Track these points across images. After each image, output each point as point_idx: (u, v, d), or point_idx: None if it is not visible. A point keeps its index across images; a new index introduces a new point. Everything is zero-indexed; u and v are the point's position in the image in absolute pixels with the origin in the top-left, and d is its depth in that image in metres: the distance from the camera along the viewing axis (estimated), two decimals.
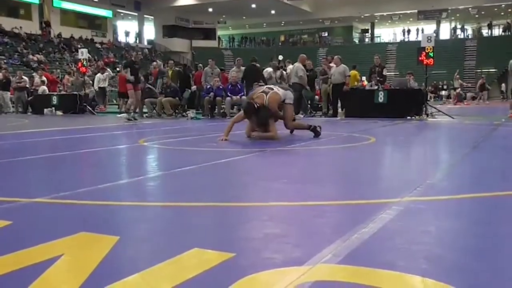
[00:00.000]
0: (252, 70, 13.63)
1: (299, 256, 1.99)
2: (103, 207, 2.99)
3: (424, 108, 12.39)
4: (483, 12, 44.53)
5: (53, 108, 16.47)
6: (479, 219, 2.72)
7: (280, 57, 15.03)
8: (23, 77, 18.25)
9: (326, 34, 51.41)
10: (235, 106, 13.84)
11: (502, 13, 44.92)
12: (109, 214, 2.86)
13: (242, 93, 13.43)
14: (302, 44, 50.12)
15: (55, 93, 17.95)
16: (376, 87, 13.13)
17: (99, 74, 19.05)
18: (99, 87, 18.61)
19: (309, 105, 14.25)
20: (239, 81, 13.64)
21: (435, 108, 13.43)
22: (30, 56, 32.33)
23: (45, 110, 16.46)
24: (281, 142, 6.72)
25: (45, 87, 18.15)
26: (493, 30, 45.23)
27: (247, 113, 7.04)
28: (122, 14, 46.22)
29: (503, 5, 42.69)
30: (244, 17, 48.84)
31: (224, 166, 4.75)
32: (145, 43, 47.28)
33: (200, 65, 17.12)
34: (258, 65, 13.89)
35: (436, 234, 2.38)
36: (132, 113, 12.60)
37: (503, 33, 44.10)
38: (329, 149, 6.45)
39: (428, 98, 18.48)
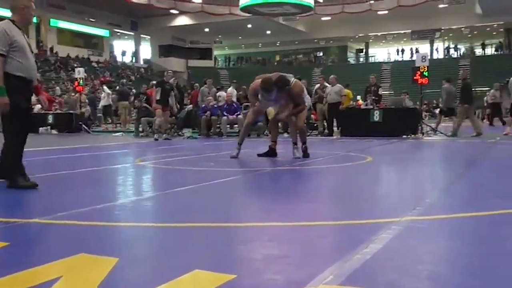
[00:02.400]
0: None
1: (301, 277, 1.97)
2: (101, 227, 2.96)
3: (420, 127, 12.45)
4: (475, 32, 45.08)
5: (49, 127, 16.44)
6: (481, 238, 2.72)
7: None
8: None
9: (321, 54, 51.79)
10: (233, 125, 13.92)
11: (494, 33, 45.50)
12: (107, 235, 2.84)
13: (238, 112, 13.48)
14: (297, 64, 50.45)
15: (51, 111, 17.93)
16: (371, 107, 13.20)
17: (105, 92, 19.14)
18: (103, 106, 18.70)
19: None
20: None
21: (430, 126, 13.50)
22: None
23: (40, 129, 16.42)
24: (278, 162, 6.71)
25: (40, 106, 18.13)
26: (486, 49, 45.75)
27: (266, 84, 6.70)
28: (118, 34, 46.50)
29: (495, 25, 43.26)
30: (240, 37, 49.23)
31: (223, 186, 4.74)
32: (141, 62, 47.52)
33: (196, 84, 17.19)
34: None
35: (438, 254, 2.37)
36: (163, 134, 12.42)
37: (495, 52, 44.63)
38: (327, 169, 6.45)
39: (423, 117, 18.60)
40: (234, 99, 14.15)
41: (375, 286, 1.88)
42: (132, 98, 17.71)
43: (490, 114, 19.85)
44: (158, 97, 12.33)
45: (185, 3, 38.42)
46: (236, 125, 13.96)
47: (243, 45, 53.13)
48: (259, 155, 7.19)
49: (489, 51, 45.81)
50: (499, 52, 44.17)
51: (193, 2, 38.11)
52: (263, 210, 3.57)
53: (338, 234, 2.85)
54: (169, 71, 15.40)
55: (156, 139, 12.12)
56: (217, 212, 3.48)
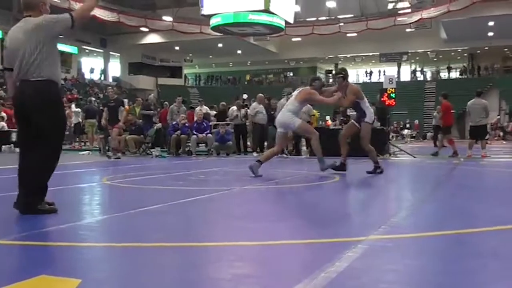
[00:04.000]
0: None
1: None
2: (64, 248, 2.89)
3: (387, 148, 12.65)
4: (441, 56, 46.45)
5: (12, 145, 16.03)
6: (444, 256, 2.76)
7: (245, 96, 15.18)
8: None
9: (291, 74, 52.38)
10: (200, 144, 13.87)
11: (459, 57, 46.97)
12: (70, 255, 2.77)
13: (208, 131, 13.47)
14: (268, 84, 50.83)
15: (15, 129, 17.52)
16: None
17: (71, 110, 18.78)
18: (74, 124, 18.40)
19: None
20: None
21: (397, 147, 13.73)
22: None
23: (3, 147, 16.01)
24: (247, 181, 6.71)
25: (4, 123, 17.72)
26: (451, 73, 47.11)
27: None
28: (87, 51, 45.99)
29: (459, 50, 44.66)
30: (210, 56, 49.36)
31: (191, 205, 4.70)
32: (110, 79, 47.02)
33: (166, 103, 17.13)
34: (224, 104, 14.08)
35: (402, 272, 2.40)
36: (117, 152, 12.25)
37: (459, 76, 45.98)
38: (294, 188, 6.48)
39: (390, 138, 18.92)
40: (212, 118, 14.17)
41: None
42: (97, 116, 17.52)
43: (433, 135, 20.63)
44: (107, 117, 12.39)
45: (155, 21, 38.36)
46: (202, 144, 13.94)
47: (213, 64, 53.27)
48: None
49: (454, 74, 47.18)
50: (464, 76, 45.53)
51: (164, 21, 38.08)
52: (231, 229, 3.55)
53: (305, 253, 2.86)
54: (110, 88, 15.36)
55: (108, 157, 12.03)
56: (184, 232, 3.45)
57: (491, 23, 35.18)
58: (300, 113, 7.71)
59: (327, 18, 38.61)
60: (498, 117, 36.65)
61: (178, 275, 2.37)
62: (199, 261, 2.63)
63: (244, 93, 16.13)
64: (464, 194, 5.70)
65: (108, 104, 12.63)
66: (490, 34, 38.13)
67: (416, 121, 38.40)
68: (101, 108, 15.23)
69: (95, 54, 47.28)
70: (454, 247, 2.99)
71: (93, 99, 23.40)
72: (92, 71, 46.49)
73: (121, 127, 12.87)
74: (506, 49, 43.50)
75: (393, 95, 12.91)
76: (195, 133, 13.41)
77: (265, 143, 14.18)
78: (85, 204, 5.09)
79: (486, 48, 42.70)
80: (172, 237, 3.22)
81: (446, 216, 4.18)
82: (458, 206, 4.69)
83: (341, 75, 7.84)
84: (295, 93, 7.68)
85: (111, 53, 47.12)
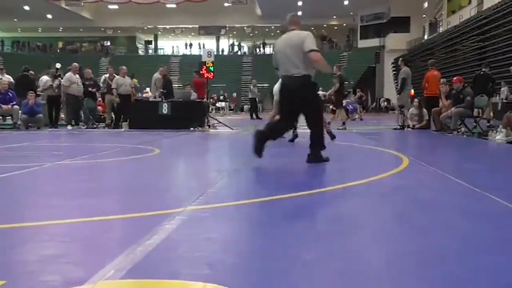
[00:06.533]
0: (25, 80, 12.65)
1: (79, 276, 1.88)
2: None
3: (206, 120, 12.96)
4: (256, 32, 48.80)
5: None
6: (257, 223, 2.95)
7: (58, 65, 14.12)
8: None
9: (109, 44, 50.20)
10: (6, 117, 12.61)
11: (272, 34, 49.83)
12: None
13: (14, 102, 12.29)
14: (84, 53, 47.98)
15: None
16: (160, 99, 13.26)
17: None
18: None
19: (91, 116, 13.68)
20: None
21: (216, 119, 14.15)
22: None
23: None
24: (60, 156, 6.30)
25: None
26: (266, 48, 49.79)
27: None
28: None
29: (272, 27, 47.38)
30: (15, 19, 44.70)
31: None
32: None
33: None
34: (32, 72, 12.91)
35: (218, 240, 2.50)
36: None
37: (273, 52, 48.93)
38: (113, 162, 6.29)
39: (210, 110, 19.42)
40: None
41: (157, 277, 1.89)
42: None
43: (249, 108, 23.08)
44: None
45: None
46: (9, 117, 12.68)
47: (19, 29, 48.43)
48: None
49: (269, 50, 50.02)
50: None
51: None
52: (43, 208, 3.31)
53: (122, 228, 2.81)
54: None
55: None
56: None
57: (300, 3, 37.95)
58: None
59: None
60: None
61: None
62: (3, 244, 2.40)
63: (57, 62, 14.96)
64: (276, 161, 6.12)
65: None
66: (300, 13, 41.12)
67: (234, 94, 39.97)
68: None
69: None
70: (267, 213, 3.21)
71: None
72: None
73: None
74: (312, 28, 47.39)
75: (212, 68, 13.21)
76: None
77: (83, 115, 13.46)
78: None
79: None
80: None
81: (259, 183, 4.47)
82: (268, 175, 5.04)
83: None
84: None
85: None
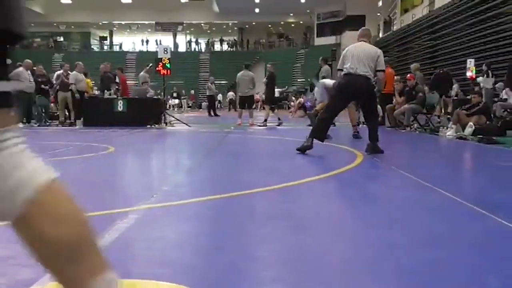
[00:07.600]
0: None
1: (28, 277, 1.84)
2: None
3: (163, 117, 12.84)
4: (214, 28, 48.65)
5: None
6: (210, 220, 2.96)
7: (9, 61, 13.61)
8: None
9: (62, 39, 48.90)
10: None
11: (230, 31, 49.83)
12: None
13: None
14: (36, 48, 46.56)
15: None
16: (115, 96, 13.04)
17: None
18: None
19: (43, 114, 13.32)
20: None
21: (173, 117, 14.03)
22: None
23: None
24: None
25: None
26: (223, 45, 49.74)
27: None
28: None
29: (230, 23, 47.39)
30: None
31: None
32: None
33: None
34: None
35: (171, 238, 2.49)
36: None
37: (230, 49, 48.91)
38: (65, 160, 6.14)
39: (168, 107, 19.24)
40: None
41: None
42: None
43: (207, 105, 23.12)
44: None
45: None
46: None
47: None
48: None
49: (226, 47, 49.99)
50: (233, 49, 48.56)
51: None
52: None
53: None
54: None
55: None
56: None
57: (257, 0, 38.05)
58: None
59: None
60: None
61: None
62: None
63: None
64: (230, 160, 6.14)
65: None
66: (257, 10, 41.27)
67: (192, 91, 39.70)
68: None
69: None
70: (220, 211, 3.22)
71: None
72: None
73: None
74: (270, 25, 47.69)
75: (168, 65, 13.09)
76: None
77: (35, 113, 13.07)
78: None
79: (254, 23, 46.15)
80: None
81: (214, 181, 4.47)
82: (226, 172, 5.05)
83: None
84: None
85: None
